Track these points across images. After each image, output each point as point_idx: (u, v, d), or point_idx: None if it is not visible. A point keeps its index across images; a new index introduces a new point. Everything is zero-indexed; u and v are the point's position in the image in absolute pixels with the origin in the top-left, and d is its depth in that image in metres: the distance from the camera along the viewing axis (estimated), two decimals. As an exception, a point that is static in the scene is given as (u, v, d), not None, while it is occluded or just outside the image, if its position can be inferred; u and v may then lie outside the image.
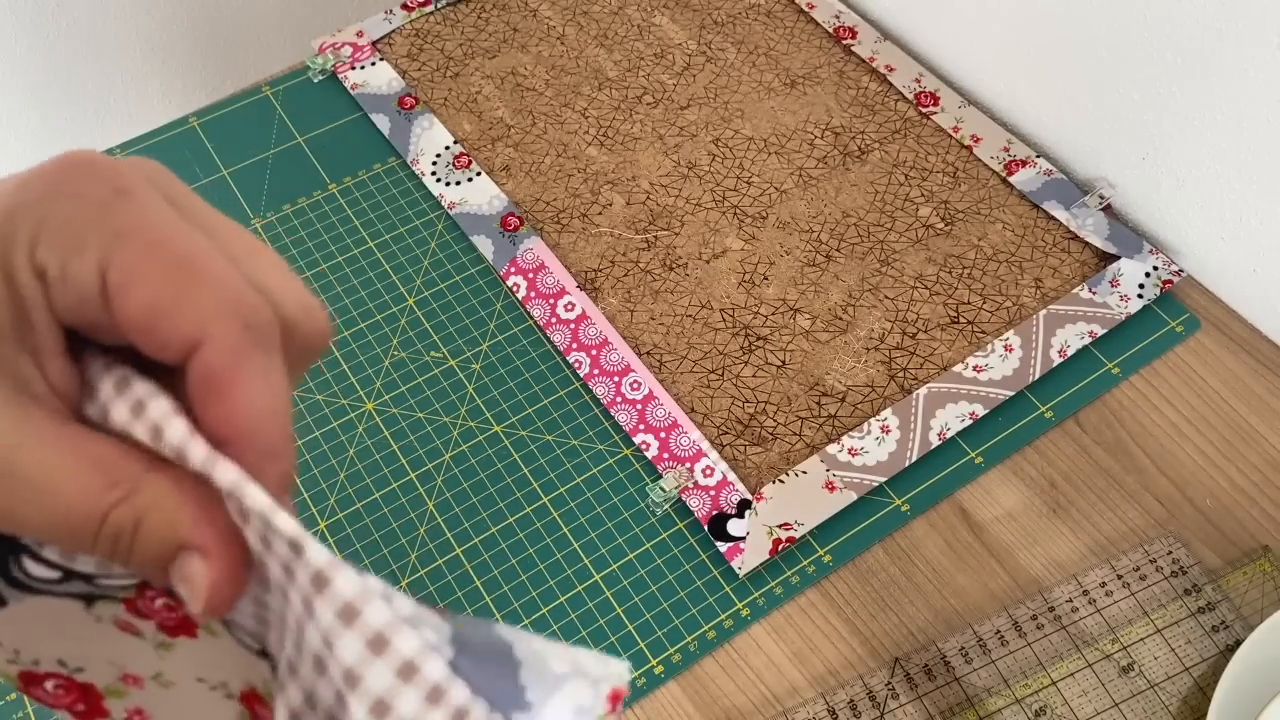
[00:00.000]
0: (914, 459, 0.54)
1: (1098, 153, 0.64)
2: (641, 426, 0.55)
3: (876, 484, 0.53)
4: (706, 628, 0.50)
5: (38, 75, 0.97)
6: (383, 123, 0.68)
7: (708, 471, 0.53)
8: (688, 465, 0.54)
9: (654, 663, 0.50)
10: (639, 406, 0.56)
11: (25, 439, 0.20)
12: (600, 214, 0.64)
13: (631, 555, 0.52)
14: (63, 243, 0.20)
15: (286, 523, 0.19)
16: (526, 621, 0.51)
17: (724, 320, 0.59)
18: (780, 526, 0.52)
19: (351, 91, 0.70)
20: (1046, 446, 0.55)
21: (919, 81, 0.68)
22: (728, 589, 0.51)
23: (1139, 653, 0.49)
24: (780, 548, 0.51)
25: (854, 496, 0.53)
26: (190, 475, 0.21)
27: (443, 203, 0.64)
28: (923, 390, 0.56)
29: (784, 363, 0.58)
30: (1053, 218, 0.62)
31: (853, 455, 0.54)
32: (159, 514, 0.20)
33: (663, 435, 0.55)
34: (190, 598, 0.21)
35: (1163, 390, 0.57)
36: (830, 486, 0.53)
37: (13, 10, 0.91)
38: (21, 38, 0.93)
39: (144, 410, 0.21)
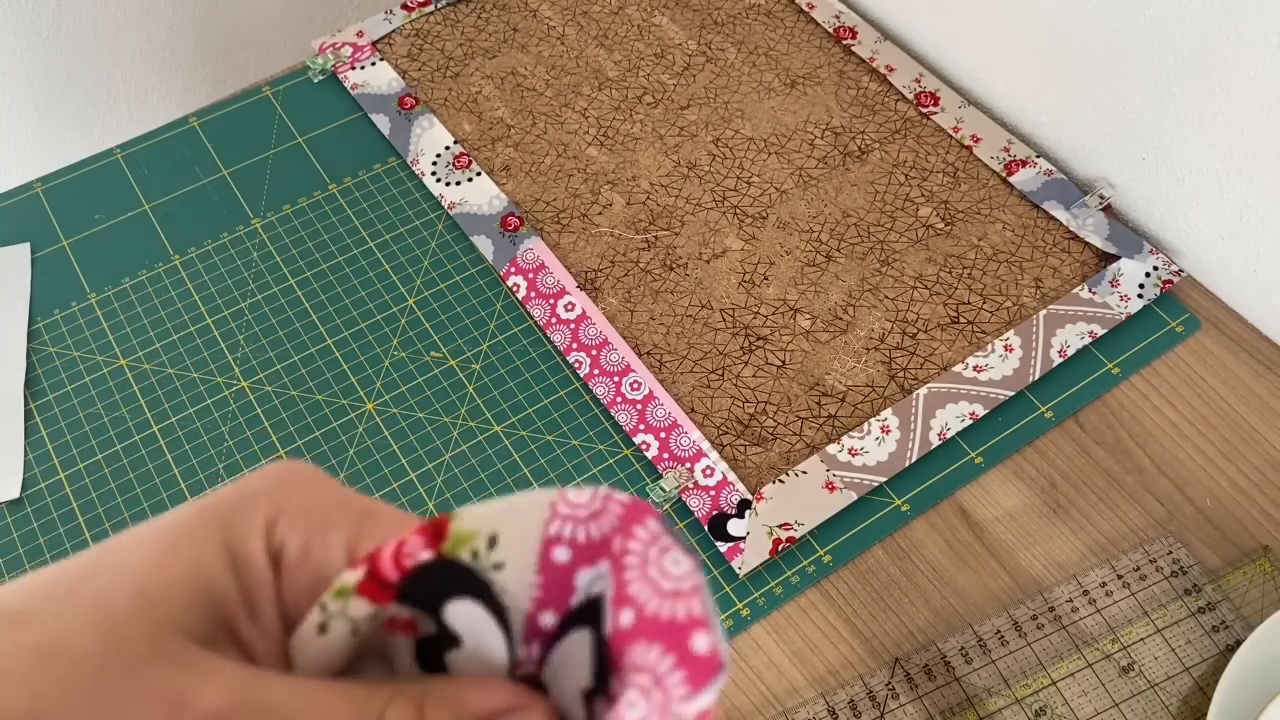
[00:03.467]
0: (914, 459, 0.54)
1: (1098, 152, 0.64)
2: (641, 426, 0.55)
3: (876, 484, 0.53)
4: (706, 628, 0.50)
5: (38, 76, 0.97)
6: (383, 123, 0.68)
7: (708, 472, 0.53)
8: (688, 465, 0.54)
9: (654, 663, 0.50)
10: (639, 406, 0.56)
11: (270, 687, 0.19)
12: (600, 214, 0.64)
13: (631, 555, 0.52)
14: (307, 522, 0.20)
15: None
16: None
17: (724, 320, 0.59)
18: (780, 526, 0.52)
19: (351, 91, 0.70)
20: (1047, 446, 0.55)
21: (919, 81, 0.68)
22: (728, 589, 0.51)
23: (1139, 653, 0.49)
24: (780, 548, 0.51)
25: (854, 496, 0.53)
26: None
27: (443, 203, 0.64)
28: (923, 390, 0.56)
29: (784, 363, 0.58)
30: (1053, 218, 0.62)
31: (853, 455, 0.54)
32: (439, 694, 0.20)
33: (663, 435, 0.55)
34: None
35: (1163, 390, 0.57)
36: (830, 486, 0.53)
37: (12, 10, 0.91)
38: (21, 38, 0.93)
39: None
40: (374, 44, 0.72)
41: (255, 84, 0.71)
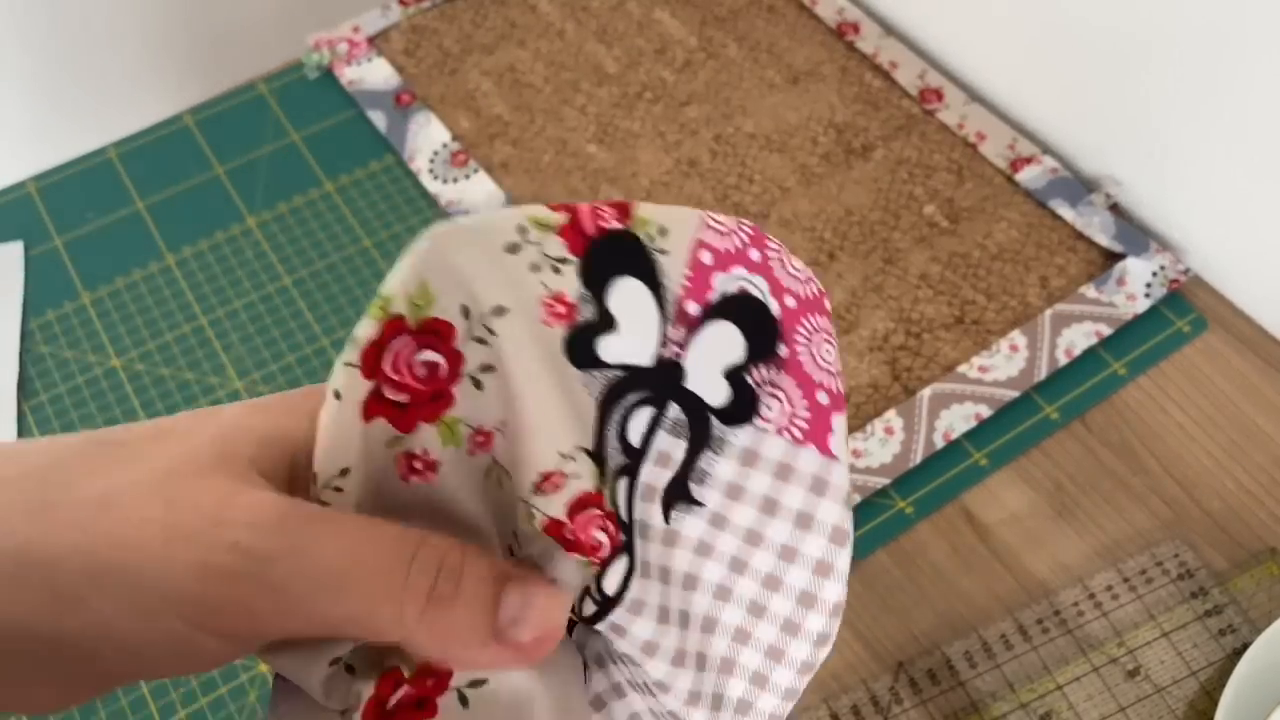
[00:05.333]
0: (918, 461, 0.53)
1: (1104, 150, 0.63)
2: (642, 428, 0.54)
3: (880, 486, 0.52)
4: (708, 632, 0.50)
5: (31, 71, 0.96)
6: (379, 119, 0.67)
7: (709, 473, 0.53)
8: (689, 467, 0.53)
9: (655, 667, 0.49)
10: (639, 407, 0.55)
11: (308, 513, 0.21)
12: (600, 212, 0.63)
13: (632, 558, 0.52)
14: None
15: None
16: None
17: (725, 320, 0.58)
18: (783, 529, 0.51)
19: (347, 88, 0.69)
20: (1052, 448, 0.54)
21: (923, 78, 0.68)
22: (730, 592, 0.51)
23: (1145, 657, 0.48)
24: (783, 551, 0.51)
25: (857, 499, 0.52)
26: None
27: (440, 201, 0.64)
28: (927, 391, 0.55)
29: (786, 363, 0.57)
30: (1058, 216, 0.62)
31: (856, 457, 0.53)
32: (474, 549, 0.21)
33: (664, 437, 0.54)
34: (522, 629, 0.21)
35: (1170, 391, 0.56)
36: (833, 489, 0.52)
37: (5, 7, 0.90)
38: (14, 34, 0.92)
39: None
40: (370, 40, 0.71)
41: (250, 80, 0.70)
